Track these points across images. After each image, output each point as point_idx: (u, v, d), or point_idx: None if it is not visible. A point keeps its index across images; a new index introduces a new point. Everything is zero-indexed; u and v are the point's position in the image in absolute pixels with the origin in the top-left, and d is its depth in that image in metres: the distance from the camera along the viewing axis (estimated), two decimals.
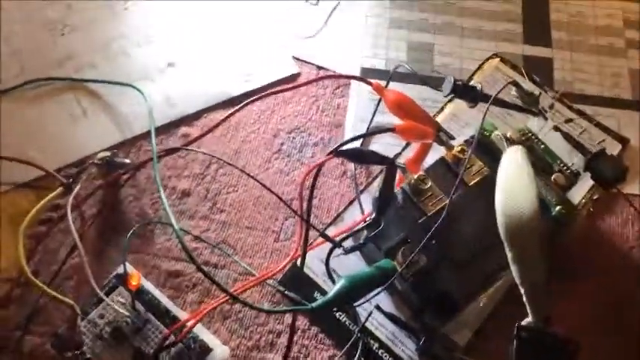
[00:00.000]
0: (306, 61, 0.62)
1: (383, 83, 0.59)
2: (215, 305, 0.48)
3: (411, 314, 0.51)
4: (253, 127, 0.58)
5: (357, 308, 0.51)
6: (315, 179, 0.46)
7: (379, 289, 0.45)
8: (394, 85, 0.59)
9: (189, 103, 0.59)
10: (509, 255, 0.40)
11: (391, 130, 0.49)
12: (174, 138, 0.57)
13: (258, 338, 0.49)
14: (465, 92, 0.50)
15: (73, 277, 0.50)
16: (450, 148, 0.52)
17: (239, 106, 0.58)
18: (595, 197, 0.55)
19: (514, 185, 0.41)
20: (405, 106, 0.53)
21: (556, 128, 0.52)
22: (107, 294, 0.47)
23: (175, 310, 0.48)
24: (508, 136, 0.52)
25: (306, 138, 0.58)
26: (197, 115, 0.58)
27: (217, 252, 0.52)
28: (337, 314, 0.50)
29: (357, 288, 0.44)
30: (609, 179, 0.50)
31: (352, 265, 0.52)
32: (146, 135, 0.57)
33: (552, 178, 0.50)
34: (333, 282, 0.49)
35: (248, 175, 0.53)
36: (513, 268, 0.40)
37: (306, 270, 0.52)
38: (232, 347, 0.49)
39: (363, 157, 0.48)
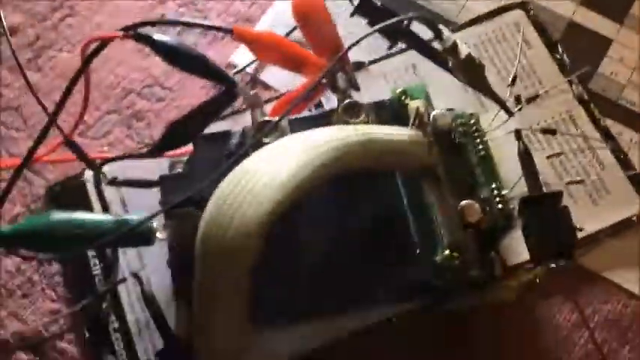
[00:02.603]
0: None
1: None
2: None
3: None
4: None
5: (124, 266, 0.35)
6: (87, 59, 0.30)
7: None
8: None
9: None
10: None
11: (225, 30, 0.30)
12: None
13: None
14: (379, 19, 0.30)
15: None
16: (341, 100, 0.33)
17: None
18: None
19: (261, 161, 0.22)
20: (313, 17, 0.34)
21: (517, 135, 0.31)
22: None
23: None
24: (433, 114, 0.32)
25: (197, 19, 0.41)
26: None
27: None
28: (93, 264, 0.35)
29: (65, 236, 0.28)
30: (546, 246, 0.29)
31: (150, 201, 0.35)
32: None
33: (460, 204, 0.30)
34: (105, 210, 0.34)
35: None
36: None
37: (87, 180, 0.36)
38: None
39: (176, 55, 0.30)
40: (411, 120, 0.31)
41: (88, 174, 0.36)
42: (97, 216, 0.30)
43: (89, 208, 0.36)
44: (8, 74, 0.39)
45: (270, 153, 0.22)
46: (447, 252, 0.30)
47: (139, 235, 0.30)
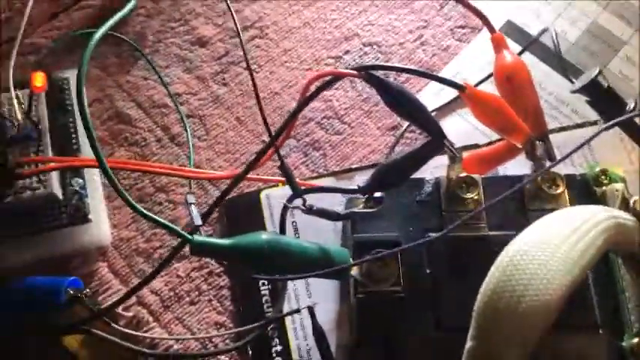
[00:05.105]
0: None
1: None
2: (124, 166, 0.36)
3: (350, 341, 0.35)
4: (329, 14, 0.43)
5: (291, 290, 0.36)
6: (315, 92, 0.31)
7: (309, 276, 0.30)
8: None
9: None
10: (467, 344, 0.22)
11: (457, 86, 0.31)
12: None
13: (156, 246, 0.36)
14: (603, 102, 0.31)
15: None
16: (536, 169, 0.33)
17: None
18: None
19: (553, 235, 0.22)
20: (517, 82, 0.35)
21: None
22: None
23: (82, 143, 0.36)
24: (633, 201, 0.32)
25: (380, 62, 0.42)
26: None
27: (186, 124, 0.39)
28: (261, 284, 0.36)
29: (271, 259, 0.29)
30: None
31: (322, 229, 0.36)
32: None
33: None
34: (282, 232, 0.34)
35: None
36: None
37: (264, 199, 0.37)
38: (122, 238, 0.36)
39: (400, 100, 0.31)
40: (617, 203, 0.31)
41: (266, 193, 0.37)
42: (301, 242, 0.31)
43: (261, 225, 0.37)
44: (196, 83, 0.40)
45: (553, 230, 0.23)
46: (636, 339, 0.30)
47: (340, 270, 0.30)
